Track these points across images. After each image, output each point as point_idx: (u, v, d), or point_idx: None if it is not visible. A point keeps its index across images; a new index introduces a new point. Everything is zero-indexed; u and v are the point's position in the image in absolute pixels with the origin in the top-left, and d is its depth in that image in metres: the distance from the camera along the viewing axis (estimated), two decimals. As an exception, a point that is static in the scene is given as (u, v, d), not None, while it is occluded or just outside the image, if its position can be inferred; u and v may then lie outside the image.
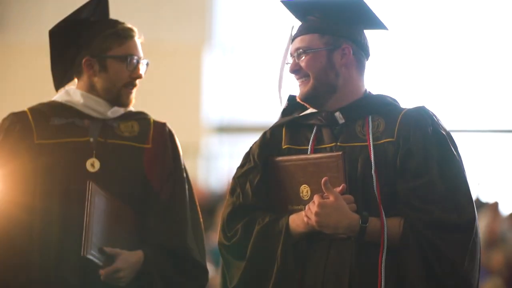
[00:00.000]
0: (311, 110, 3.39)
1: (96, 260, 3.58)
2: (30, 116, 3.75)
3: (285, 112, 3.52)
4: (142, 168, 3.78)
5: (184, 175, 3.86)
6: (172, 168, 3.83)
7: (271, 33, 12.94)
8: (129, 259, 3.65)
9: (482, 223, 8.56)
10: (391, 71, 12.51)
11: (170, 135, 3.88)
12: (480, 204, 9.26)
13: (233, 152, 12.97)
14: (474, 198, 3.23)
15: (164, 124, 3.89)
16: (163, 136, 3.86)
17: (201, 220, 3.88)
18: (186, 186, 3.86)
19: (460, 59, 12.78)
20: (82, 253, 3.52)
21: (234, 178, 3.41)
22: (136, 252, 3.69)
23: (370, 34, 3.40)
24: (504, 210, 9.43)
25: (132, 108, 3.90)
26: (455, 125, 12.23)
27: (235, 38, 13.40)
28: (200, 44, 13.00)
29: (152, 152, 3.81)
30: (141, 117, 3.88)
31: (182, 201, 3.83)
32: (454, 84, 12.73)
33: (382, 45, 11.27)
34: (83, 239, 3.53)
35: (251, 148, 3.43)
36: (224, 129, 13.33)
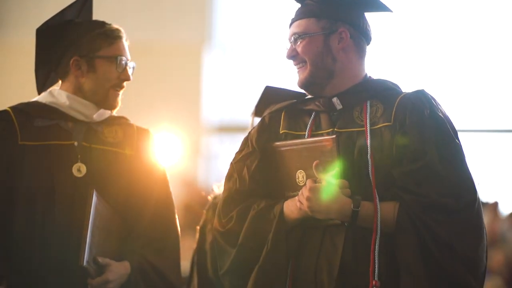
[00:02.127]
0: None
1: (90, 270, 3.51)
2: (13, 116, 3.65)
3: (259, 106, 3.47)
4: (126, 175, 3.71)
5: (169, 184, 3.80)
6: (157, 176, 3.78)
7: (271, 33, 12.93)
8: (118, 270, 3.60)
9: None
10: (390, 71, 12.49)
11: (153, 143, 3.83)
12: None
13: (233, 152, 12.92)
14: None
15: (147, 131, 3.83)
16: (147, 143, 3.80)
17: (179, 234, 3.80)
18: (172, 197, 3.80)
19: (460, 59, 12.77)
20: (80, 262, 3.44)
21: (231, 163, 3.37)
22: (123, 263, 3.64)
23: (375, 34, 3.37)
24: (504, 210, 9.40)
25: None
26: (456, 125, 12.18)
27: (235, 38, 13.38)
28: (200, 44, 12.97)
29: (136, 159, 3.75)
30: (123, 122, 3.81)
31: (168, 213, 3.78)
32: (454, 85, 12.71)
33: (381, 46, 11.26)
34: (82, 248, 3.45)
35: (249, 133, 3.39)
36: (224, 129, 13.28)
